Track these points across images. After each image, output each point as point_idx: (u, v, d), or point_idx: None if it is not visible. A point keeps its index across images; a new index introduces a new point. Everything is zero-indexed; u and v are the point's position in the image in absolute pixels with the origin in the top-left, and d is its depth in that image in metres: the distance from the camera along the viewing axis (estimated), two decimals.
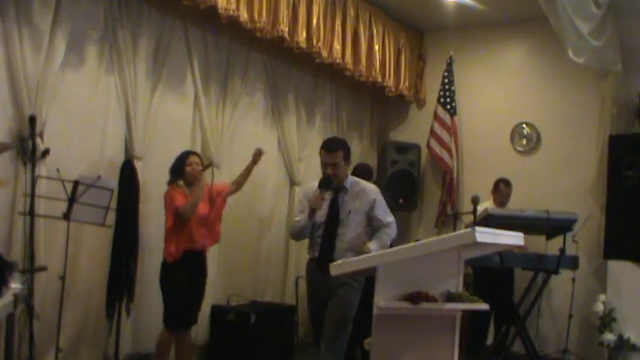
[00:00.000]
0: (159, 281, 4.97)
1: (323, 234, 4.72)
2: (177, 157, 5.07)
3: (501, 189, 6.97)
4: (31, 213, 4.37)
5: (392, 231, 4.83)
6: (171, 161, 5.09)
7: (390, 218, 4.86)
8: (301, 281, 6.86)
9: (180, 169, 4.99)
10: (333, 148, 4.75)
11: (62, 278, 4.55)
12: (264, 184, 6.64)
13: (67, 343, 4.85)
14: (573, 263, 6.15)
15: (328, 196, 4.69)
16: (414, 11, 7.66)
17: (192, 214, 4.88)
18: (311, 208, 4.64)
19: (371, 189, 4.87)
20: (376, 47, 7.30)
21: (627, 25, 6.82)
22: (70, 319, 4.89)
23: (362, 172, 6.10)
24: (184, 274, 4.90)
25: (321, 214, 4.71)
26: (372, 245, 4.59)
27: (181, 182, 4.96)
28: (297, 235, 4.87)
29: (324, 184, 4.65)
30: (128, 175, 5.16)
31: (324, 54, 6.52)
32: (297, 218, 4.81)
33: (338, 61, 6.73)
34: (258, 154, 5.39)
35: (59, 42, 4.76)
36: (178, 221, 4.86)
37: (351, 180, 4.84)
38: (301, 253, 6.96)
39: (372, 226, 4.79)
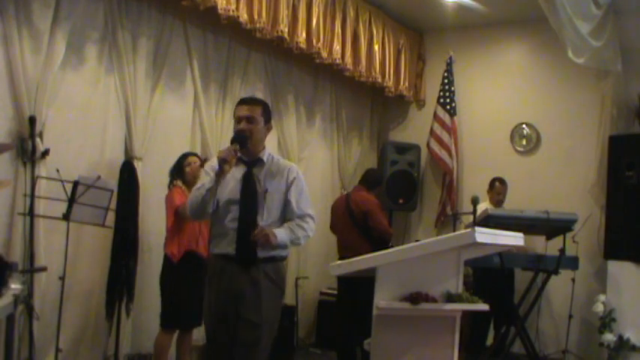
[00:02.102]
0: (159, 280, 4.97)
1: (239, 219, 3.63)
2: (176, 159, 5.09)
3: (497, 187, 6.98)
4: (30, 213, 4.39)
5: (309, 227, 3.75)
6: (171, 161, 5.09)
7: (309, 210, 3.78)
8: (301, 282, 6.87)
9: (180, 170, 5.00)
10: (251, 101, 3.83)
11: (62, 278, 4.55)
12: None
13: (66, 343, 4.85)
14: (573, 263, 6.14)
15: (238, 171, 3.70)
16: (413, 12, 7.66)
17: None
18: (221, 159, 3.50)
19: (292, 167, 3.84)
20: (376, 47, 7.30)
21: (627, 25, 6.83)
22: (69, 320, 4.89)
23: (370, 176, 6.09)
24: (186, 275, 4.89)
25: (231, 191, 3.67)
26: (278, 232, 3.60)
27: (179, 182, 4.97)
28: (196, 208, 3.59)
29: (237, 139, 3.61)
30: (128, 175, 5.16)
31: (324, 54, 6.52)
32: (198, 185, 3.66)
33: (338, 61, 6.73)
34: None
35: (59, 42, 4.75)
36: (178, 221, 4.85)
37: (269, 153, 3.82)
38: (301, 253, 6.98)
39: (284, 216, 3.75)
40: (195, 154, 5.23)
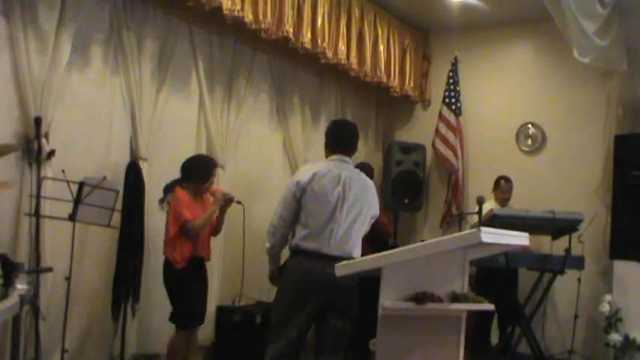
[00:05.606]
0: (166, 286, 4.91)
1: None
2: (201, 160, 5.04)
3: (502, 185, 6.96)
4: (36, 214, 4.39)
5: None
6: (176, 162, 5.07)
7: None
8: None
9: (208, 176, 4.94)
10: None
11: (68, 279, 4.56)
12: (269, 185, 6.63)
13: (72, 343, 4.87)
14: (579, 263, 6.13)
15: None
16: (419, 11, 7.66)
17: (199, 234, 4.83)
18: None
19: None
20: (381, 48, 7.30)
21: (633, 24, 6.80)
22: (75, 320, 4.90)
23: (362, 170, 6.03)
24: (193, 277, 4.89)
25: None
26: None
27: (191, 185, 4.90)
28: None
29: None
30: (133, 176, 5.17)
31: (329, 54, 6.52)
32: None
33: (343, 61, 6.72)
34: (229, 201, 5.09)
35: (64, 43, 4.77)
36: (181, 233, 4.80)
37: None
38: None
39: None
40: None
